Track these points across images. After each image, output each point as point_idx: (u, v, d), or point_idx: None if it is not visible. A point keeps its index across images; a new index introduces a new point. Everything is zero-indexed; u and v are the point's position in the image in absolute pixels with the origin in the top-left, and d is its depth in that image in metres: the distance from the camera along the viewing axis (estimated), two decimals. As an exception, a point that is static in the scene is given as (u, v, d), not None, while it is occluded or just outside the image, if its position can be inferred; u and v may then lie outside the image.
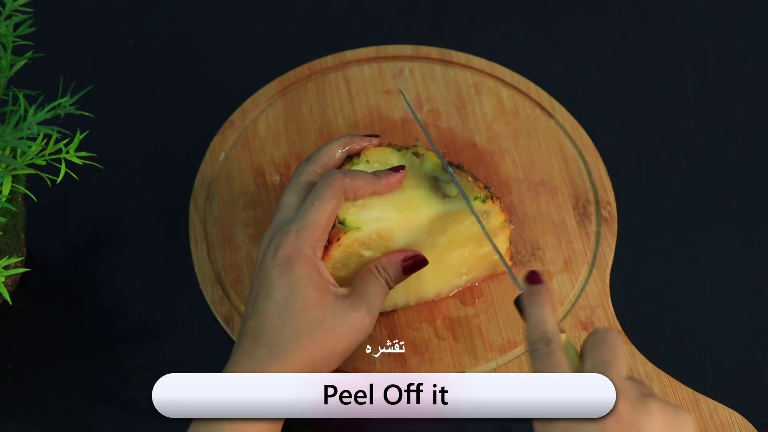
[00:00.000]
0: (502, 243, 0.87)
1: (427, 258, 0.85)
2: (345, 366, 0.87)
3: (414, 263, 0.85)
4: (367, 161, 0.85)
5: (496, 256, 0.87)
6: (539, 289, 0.76)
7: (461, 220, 0.85)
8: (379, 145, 0.87)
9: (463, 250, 0.87)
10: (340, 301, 0.81)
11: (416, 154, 0.86)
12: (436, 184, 0.85)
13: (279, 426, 0.79)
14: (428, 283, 0.88)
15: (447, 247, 0.86)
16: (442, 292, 0.90)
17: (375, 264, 0.84)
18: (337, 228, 0.82)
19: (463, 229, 0.85)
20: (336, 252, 0.82)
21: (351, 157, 0.87)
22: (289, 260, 0.80)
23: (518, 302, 0.77)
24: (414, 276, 0.85)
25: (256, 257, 0.84)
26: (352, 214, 0.82)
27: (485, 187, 0.86)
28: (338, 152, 0.87)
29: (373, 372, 0.87)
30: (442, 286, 0.89)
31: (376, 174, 0.84)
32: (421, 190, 0.84)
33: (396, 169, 0.84)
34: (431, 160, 0.86)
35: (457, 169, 0.86)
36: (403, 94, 0.97)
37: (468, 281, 0.90)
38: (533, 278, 0.77)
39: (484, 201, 0.84)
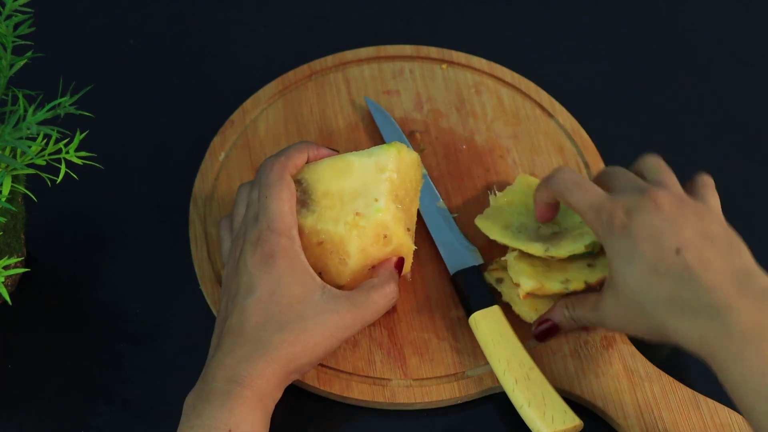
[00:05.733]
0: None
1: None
2: (345, 366, 0.87)
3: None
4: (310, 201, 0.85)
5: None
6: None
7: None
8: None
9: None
10: (324, 301, 0.80)
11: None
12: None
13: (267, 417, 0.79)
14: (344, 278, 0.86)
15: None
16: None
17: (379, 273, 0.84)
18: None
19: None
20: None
21: None
22: (270, 256, 0.80)
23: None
24: (334, 271, 0.85)
25: (224, 258, 0.86)
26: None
27: None
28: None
29: (373, 372, 0.87)
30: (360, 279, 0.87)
31: (307, 143, 0.86)
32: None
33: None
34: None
35: None
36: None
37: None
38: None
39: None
